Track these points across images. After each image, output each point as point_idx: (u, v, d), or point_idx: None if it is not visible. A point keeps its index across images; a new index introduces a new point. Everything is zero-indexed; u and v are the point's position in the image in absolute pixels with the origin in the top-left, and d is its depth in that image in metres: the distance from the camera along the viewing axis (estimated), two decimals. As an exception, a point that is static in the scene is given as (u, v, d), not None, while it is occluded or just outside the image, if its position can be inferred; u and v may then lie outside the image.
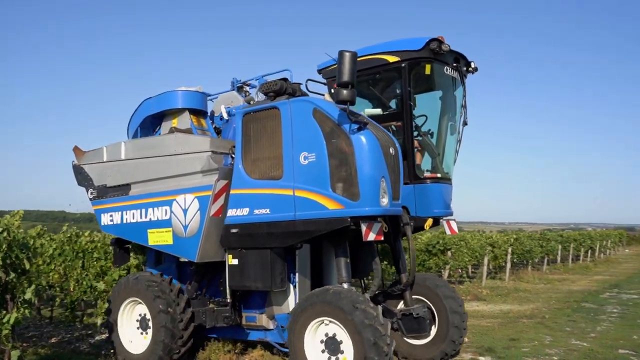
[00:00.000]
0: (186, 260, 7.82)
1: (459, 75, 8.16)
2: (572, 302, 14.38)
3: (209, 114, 8.72)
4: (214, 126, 8.65)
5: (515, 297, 15.61)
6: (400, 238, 7.96)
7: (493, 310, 13.12)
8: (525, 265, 23.72)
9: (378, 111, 7.95)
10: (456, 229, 8.21)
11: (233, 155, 7.61)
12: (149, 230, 7.98)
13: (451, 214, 8.16)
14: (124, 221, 8.32)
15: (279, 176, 6.97)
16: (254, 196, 7.14)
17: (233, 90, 8.84)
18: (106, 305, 9.17)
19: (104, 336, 9.76)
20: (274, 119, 7.12)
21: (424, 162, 8.00)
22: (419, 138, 7.91)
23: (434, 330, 7.88)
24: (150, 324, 7.72)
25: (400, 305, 7.98)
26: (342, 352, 6.27)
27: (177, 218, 7.60)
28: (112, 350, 8.20)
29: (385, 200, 6.56)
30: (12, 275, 5.93)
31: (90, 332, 10.30)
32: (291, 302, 7.40)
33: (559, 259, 27.74)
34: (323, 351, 6.43)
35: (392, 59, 7.74)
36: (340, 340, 6.28)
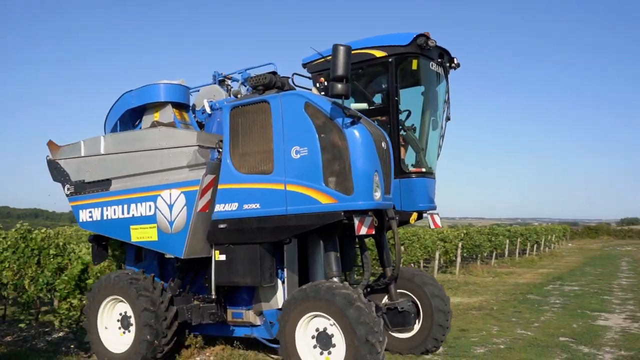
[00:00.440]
0: (170, 256, 7.69)
1: (443, 71, 8.21)
2: (518, 294, 14.89)
3: (191, 108, 8.57)
4: (196, 120, 8.51)
5: (465, 290, 16.09)
6: (384, 232, 7.97)
7: (444, 302, 13.57)
8: (475, 259, 24.47)
9: (364, 106, 7.92)
10: (440, 223, 8.27)
11: (220, 150, 7.48)
12: (131, 227, 7.77)
13: (435, 208, 8.23)
14: (105, 217, 8.09)
15: (269, 170, 6.89)
16: (243, 191, 7.05)
17: (215, 83, 8.70)
18: (65, 304, 9.11)
19: (61, 334, 9.66)
20: (264, 112, 7.03)
21: (408, 157, 8.04)
22: (403, 133, 7.93)
23: (417, 325, 7.93)
24: (132, 322, 7.52)
25: (385, 299, 8.00)
26: (333, 346, 6.26)
27: (162, 214, 7.43)
28: (90, 355, 7.97)
29: (378, 195, 6.58)
30: None
31: (47, 329, 10.19)
32: (280, 297, 7.34)
33: (506, 253, 28.68)
34: (315, 346, 6.42)
35: (379, 53, 7.75)
36: (332, 335, 6.26)
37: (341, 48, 6.14)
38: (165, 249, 7.54)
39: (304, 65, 8.44)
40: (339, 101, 6.45)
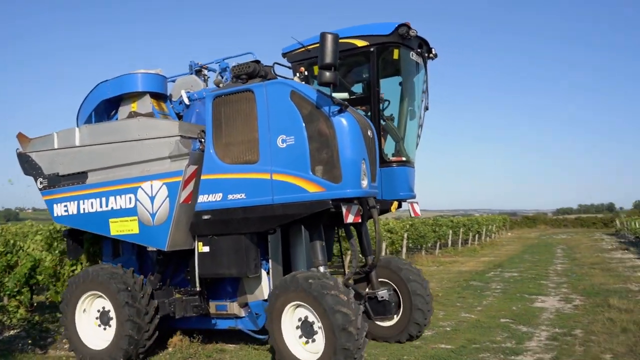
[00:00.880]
0: (152, 249, 7.52)
1: (422, 61, 8.20)
2: (462, 281, 15.43)
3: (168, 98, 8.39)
4: (174, 111, 8.36)
5: (412, 279, 16.66)
6: (366, 221, 7.88)
7: (392, 291, 14.04)
8: (420, 249, 25.19)
9: (344, 95, 7.83)
10: (419, 212, 8.28)
11: (202, 140, 7.36)
12: (110, 220, 7.56)
13: (414, 197, 8.23)
14: (81, 211, 7.85)
15: (254, 160, 6.82)
16: (228, 181, 6.95)
17: (191, 74, 8.54)
18: (14, 302, 8.98)
19: (12, 332, 9.54)
20: (248, 101, 6.94)
21: (388, 146, 8.02)
22: (383, 122, 7.90)
23: (399, 313, 7.93)
24: (112, 317, 7.34)
25: (368, 288, 8.00)
26: (316, 334, 6.29)
27: (143, 206, 7.26)
28: (71, 351, 7.75)
29: (365, 183, 6.57)
30: None
31: None
32: (265, 288, 7.27)
33: (449, 243, 29.58)
34: (300, 337, 6.44)
35: (360, 43, 7.68)
36: (313, 323, 6.29)
37: (329, 36, 6.10)
38: (147, 241, 7.38)
39: (284, 55, 8.34)
40: (325, 89, 6.42)
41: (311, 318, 6.30)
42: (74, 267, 9.21)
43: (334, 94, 6.47)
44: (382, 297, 7.67)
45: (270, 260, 7.30)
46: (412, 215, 8.30)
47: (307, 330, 6.38)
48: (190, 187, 7.16)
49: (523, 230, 64.85)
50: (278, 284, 6.62)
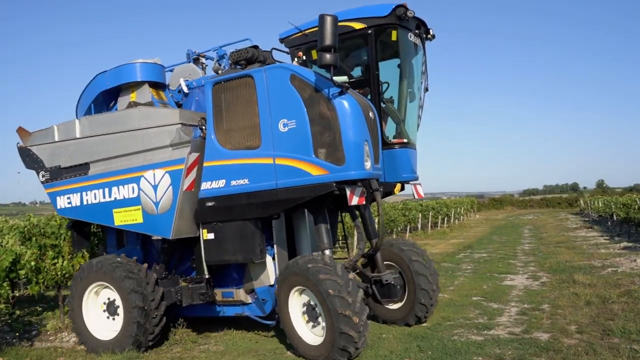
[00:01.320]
0: (157, 238, 7.50)
1: (420, 42, 8.13)
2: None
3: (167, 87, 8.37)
4: (173, 99, 8.33)
5: (384, 262, 17.04)
6: (369, 204, 7.88)
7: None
8: (390, 233, 25.56)
9: (344, 78, 7.66)
10: (422, 193, 8.19)
11: (203, 127, 7.34)
12: (114, 210, 7.55)
13: (417, 179, 8.18)
14: (85, 202, 7.83)
15: (256, 145, 6.80)
16: (230, 167, 6.93)
17: (189, 62, 8.51)
18: None
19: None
20: (248, 87, 6.91)
21: (388, 129, 7.95)
22: (383, 105, 7.83)
23: (404, 297, 7.88)
24: (120, 307, 7.34)
25: (375, 271, 7.92)
26: (320, 316, 6.31)
27: (146, 195, 7.25)
28: (81, 344, 7.79)
29: (368, 164, 6.55)
30: None
31: None
32: (271, 273, 7.26)
33: (419, 226, 30.11)
34: (308, 321, 6.49)
35: (358, 25, 7.59)
36: (315, 307, 6.34)
37: (328, 18, 6.05)
38: (151, 230, 7.37)
39: (282, 40, 8.29)
40: (325, 72, 6.38)
41: (314, 302, 6.35)
42: (55, 261, 9.28)
43: (333, 77, 6.40)
44: (387, 280, 7.67)
45: (275, 246, 7.27)
46: (416, 197, 8.20)
47: (311, 313, 6.43)
48: (192, 174, 7.15)
49: (490, 212, 66.28)
50: (283, 269, 6.65)
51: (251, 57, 7.05)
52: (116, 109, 8.28)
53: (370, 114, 6.93)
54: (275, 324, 7.16)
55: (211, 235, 7.10)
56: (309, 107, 6.49)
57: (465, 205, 45.58)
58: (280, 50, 8.13)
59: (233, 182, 6.91)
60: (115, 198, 7.54)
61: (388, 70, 7.89)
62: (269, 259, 7.27)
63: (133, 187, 7.37)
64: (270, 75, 6.77)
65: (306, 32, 7.90)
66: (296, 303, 6.55)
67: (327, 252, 6.77)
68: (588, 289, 9.90)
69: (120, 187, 7.49)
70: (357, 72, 8.14)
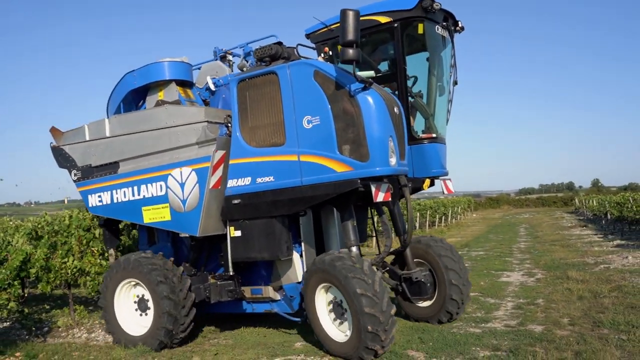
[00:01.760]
0: (185, 235, 7.56)
1: (448, 34, 7.98)
2: (432, 261, 16.36)
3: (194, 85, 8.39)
4: (200, 97, 8.36)
5: (384, 260, 17.34)
6: (398, 200, 7.78)
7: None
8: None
9: (371, 73, 7.52)
10: (452, 189, 8.08)
11: (229, 125, 7.34)
12: (143, 208, 7.63)
13: (447, 174, 8.05)
14: (115, 200, 7.94)
15: (281, 142, 6.78)
16: (256, 164, 6.93)
17: (216, 60, 8.52)
18: (5, 295, 9.24)
19: (6, 324, 9.82)
20: (272, 84, 6.89)
21: (417, 123, 7.85)
22: (411, 99, 7.71)
23: (434, 294, 7.77)
24: (150, 305, 7.43)
25: (404, 268, 7.85)
26: (346, 312, 6.29)
27: (174, 193, 7.31)
28: (108, 333, 7.96)
29: (393, 160, 6.47)
30: None
31: None
32: (299, 271, 7.23)
33: (417, 225, 30.46)
34: (335, 319, 6.47)
35: (383, 19, 7.48)
36: (342, 303, 6.31)
37: (350, 12, 5.97)
38: (179, 228, 7.44)
39: (307, 36, 8.24)
40: (349, 67, 6.31)
41: (339, 299, 6.33)
42: (65, 259, 9.55)
43: (359, 73, 6.34)
44: (417, 277, 7.55)
45: (302, 243, 7.25)
46: (445, 192, 8.12)
47: (338, 310, 6.41)
48: (219, 172, 7.18)
49: (487, 211, 66.73)
50: (310, 266, 6.64)
51: (275, 54, 7.03)
52: (145, 108, 8.37)
53: (395, 109, 6.84)
54: (303, 320, 7.18)
55: (238, 233, 7.13)
56: (332, 103, 6.44)
57: (462, 205, 45.87)
58: (307, 46, 8.10)
59: (258, 180, 6.92)
60: (144, 196, 7.63)
61: (416, 63, 7.79)
62: (296, 256, 7.26)
63: (161, 185, 7.45)
64: (294, 71, 6.73)
65: (332, 27, 7.84)
66: (322, 300, 6.54)
67: (354, 249, 6.71)
68: (581, 285, 10.28)
69: (149, 185, 7.57)
70: (384, 66, 8.02)
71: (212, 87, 8.19)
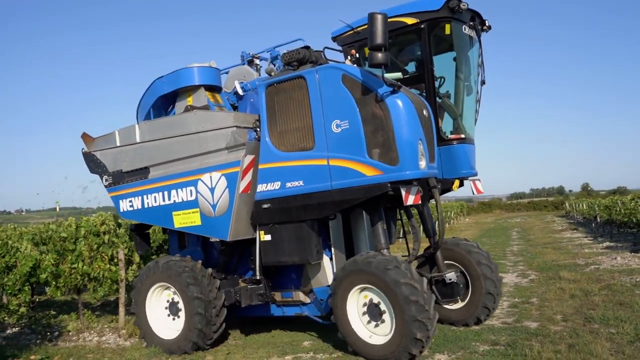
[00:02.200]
0: (215, 240, 7.60)
1: (475, 34, 7.93)
2: (427, 265, 16.70)
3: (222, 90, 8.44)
4: (229, 102, 8.42)
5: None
6: (427, 202, 7.78)
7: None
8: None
9: (398, 75, 7.63)
10: (482, 189, 8.06)
11: (257, 129, 7.37)
12: (174, 213, 7.71)
13: (476, 174, 8.01)
14: (146, 205, 8.01)
15: (310, 147, 6.80)
16: (285, 169, 6.95)
17: (244, 64, 8.59)
18: (15, 301, 9.49)
19: (15, 329, 10.08)
20: (300, 88, 6.91)
21: (445, 124, 7.80)
22: (439, 100, 7.69)
23: (467, 296, 7.74)
24: (181, 309, 7.51)
25: (434, 270, 7.81)
26: (384, 313, 6.26)
27: (204, 198, 7.37)
28: (141, 338, 8.07)
29: (423, 163, 6.47)
30: None
31: None
32: (329, 274, 7.24)
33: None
34: (368, 322, 6.43)
35: (410, 20, 7.45)
36: (380, 306, 6.27)
37: (378, 16, 5.97)
38: (209, 232, 7.48)
39: (334, 39, 8.23)
40: (377, 71, 6.32)
41: (377, 300, 6.29)
42: (74, 265, 9.79)
43: (386, 75, 6.34)
44: (450, 279, 7.49)
45: (332, 246, 7.27)
46: (475, 193, 8.10)
47: (374, 313, 6.37)
48: (248, 176, 7.22)
49: (480, 215, 67.39)
50: (347, 265, 6.55)
51: (303, 58, 7.03)
52: (174, 113, 8.46)
53: (425, 112, 6.84)
54: (333, 324, 7.08)
55: (268, 237, 7.16)
56: (361, 107, 6.44)
57: (455, 209, 46.13)
58: (333, 49, 8.10)
59: (288, 184, 6.95)
60: (174, 201, 7.69)
61: (443, 64, 7.76)
62: (326, 259, 7.29)
63: (191, 190, 7.52)
64: (322, 75, 6.74)
65: (358, 29, 7.86)
66: (355, 302, 6.50)
67: (385, 252, 6.69)
68: (572, 284, 10.70)
69: (179, 190, 7.65)
70: (411, 67, 8.01)
71: (240, 92, 8.26)
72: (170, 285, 7.59)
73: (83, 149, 8.77)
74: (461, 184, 8.04)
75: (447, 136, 7.67)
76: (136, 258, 10.32)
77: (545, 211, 70.27)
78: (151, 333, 7.81)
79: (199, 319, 7.20)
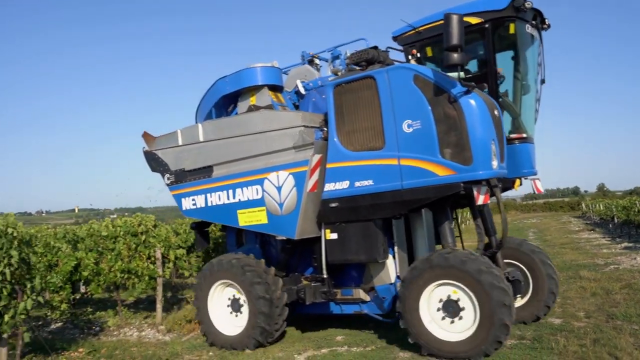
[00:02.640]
0: (283, 238, 7.62)
1: (537, 32, 7.90)
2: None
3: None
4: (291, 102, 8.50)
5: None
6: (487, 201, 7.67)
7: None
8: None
9: (460, 74, 7.53)
10: (542, 188, 8.10)
11: (324, 129, 7.45)
12: (238, 211, 7.78)
13: (536, 174, 8.04)
14: (209, 204, 8.10)
15: (379, 146, 6.86)
16: (354, 168, 7.02)
17: (304, 63, 8.69)
18: (57, 297, 9.96)
19: (59, 324, 10.53)
20: (370, 88, 6.96)
21: (505, 123, 7.69)
22: (499, 99, 7.64)
23: (527, 293, 7.81)
24: (243, 305, 7.64)
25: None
26: (462, 312, 6.26)
27: (270, 196, 7.44)
28: (203, 335, 8.16)
29: (495, 163, 6.50)
30: (24, 268, 6.38)
31: (39, 323, 10.59)
32: (392, 272, 7.29)
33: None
34: (442, 316, 6.41)
35: (474, 20, 7.43)
36: (459, 302, 6.26)
37: (454, 17, 6.03)
38: (276, 231, 7.55)
39: (394, 38, 8.25)
40: (453, 72, 6.40)
41: (457, 296, 6.28)
42: (112, 264, 10.26)
43: (449, 74, 6.37)
44: (514, 276, 7.47)
45: (395, 245, 7.32)
46: (535, 192, 8.15)
47: (450, 310, 6.34)
48: (315, 175, 7.29)
49: (496, 216, 66.38)
50: (419, 264, 6.50)
51: (371, 58, 7.09)
52: (236, 113, 8.56)
53: (495, 112, 6.88)
54: (394, 321, 7.28)
55: (334, 236, 7.23)
56: (433, 107, 6.49)
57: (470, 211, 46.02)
58: (394, 49, 8.16)
59: (357, 183, 7.02)
60: (239, 199, 7.77)
61: (503, 62, 7.76)
62: (389, 258, 7.34)
63: (257, 189, 7.60)
64: (393, 76, 6.80)
65: (420, 29, 7.87)
66: (429, 298, 6.46)
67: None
68: (593, 283, 10.88)
69: (244, 188, 7.73)
70: (472, 66, 8.00)
71: (303, 91, 8.36)
72: (233, 283, 7.71)
73: (144, 147, 8.91)
74: (520, 183, 8.09)
75: (509, 135, 7.68)
76: (172, 256, 10.79)
77: (561, 212, 70.03)
78: (212, 329, 7.92)
79: (263, 317, 7.31)
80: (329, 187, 7.25)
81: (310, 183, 7.25)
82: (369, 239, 7.01)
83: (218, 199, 8.02)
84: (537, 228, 36.30)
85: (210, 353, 7.75)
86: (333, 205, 7.19)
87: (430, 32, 7.59)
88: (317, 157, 7.28)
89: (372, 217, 6.94)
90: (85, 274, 10.26)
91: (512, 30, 7.46)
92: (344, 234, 7.16)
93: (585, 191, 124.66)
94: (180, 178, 8.47)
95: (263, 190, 7.54)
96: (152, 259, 10.25)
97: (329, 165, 7.26)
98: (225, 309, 7.97)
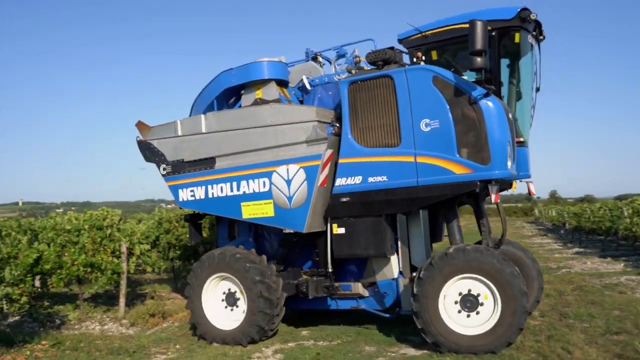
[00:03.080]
0: (289, 231, 7.52)
1: (535, 42, 8.23)
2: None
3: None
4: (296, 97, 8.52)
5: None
6: (483, 200, 8.05)
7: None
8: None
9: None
10: (535, 191, 8.41)
11: (335, 125, 7.52)
12: (243, 204, 7.70)
13: (530, 177, 8.32)
14: (210, 195, 7.99)
15: (395, 143, 7.00)
16: (367, 164, 7.14)
17: (308, 60, 8.77)
18: (17, 290, 9.77)
19: (16, 318, 10.33)
20: (386, 87, 7.10)
21: None
22: None
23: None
24: (239, 298, 7.59)
25: None
26: (481, 305, 6.42)
27: (278, 189, 7.40)
28: (197, 333, 7.99)
29: (509, 164, 6.76)
30: None
31: None
32: (394, 267, 7.40)
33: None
34: (459, 311, 6.52)
35: None
36: (478, 295, 6.43)
37: (478, 23, 6.27)
38: (283, 224, 7.51)
39: (400, 41, 8.40)
40: (478, 75, 6.73)
41: (477, 290, 6.45)
42: (75, 257, 10.13)
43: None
44: None
45: (399, 240, 7.46)
46: (530, 194, 8.49)
47: (468, 304, 6.50)
48: (327, 170, 7.33)
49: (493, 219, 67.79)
50: (437, 260, 6.58)
51: (389, 58, 7.25)
52: (239, 106, 8.49)
53: (510, 115, 7.13)
54: (394, 317, 7.47)
55: (341, 230, 7.29)
56: (452, 107, 6.70)
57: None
58: (400, 51, 8.23)
59: (370, 179, 7.12)
60: (245, 192, 7.69)
61: (503, 70, 7.99)
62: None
63: (264, 182, 7.55)
64: (412, 76, 6.97)
65: (426, 33, 8.04)
66: (446, 293, 6.55)
67: None
68: (547, 285, 11.24)
69: (250, 181, 7.66)
70: (470, 74, 8.09)
71: (308, 87, 8.43)
72: (228, 275, 7.62)
73: (137, 137, 8.75)
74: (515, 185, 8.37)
75: None
76: (137, 251, 10.73)
77: (514, 217, 71.59)
78: (205, 320, 7.79)
79: (262, 316, 7.28)
80: (340, 181, 7.33)
81: (321, 177, 7.29)
82: (379, 234, 7.12)
83: (220, 190, 7.92)
84: (492, 232, 37.08)
85: (177, 346, 7.83)
86: (344, 199, 7.27)
87: (436, 36, 7.82)
88: (329, 152, 7.34)
89: (384, 212, 7.07)
90: (47, 266, 10.09)
91: (517, 39, 7.75)
92: (353, 229, 7.24)
93: (538, 197, 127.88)
94: (178, 169, 8.34)
95: (271, 183, 7.51)
96: (117, 253, 10.19)
97: (341, 161, 7.35)
98: (220, 303, 7.86)
